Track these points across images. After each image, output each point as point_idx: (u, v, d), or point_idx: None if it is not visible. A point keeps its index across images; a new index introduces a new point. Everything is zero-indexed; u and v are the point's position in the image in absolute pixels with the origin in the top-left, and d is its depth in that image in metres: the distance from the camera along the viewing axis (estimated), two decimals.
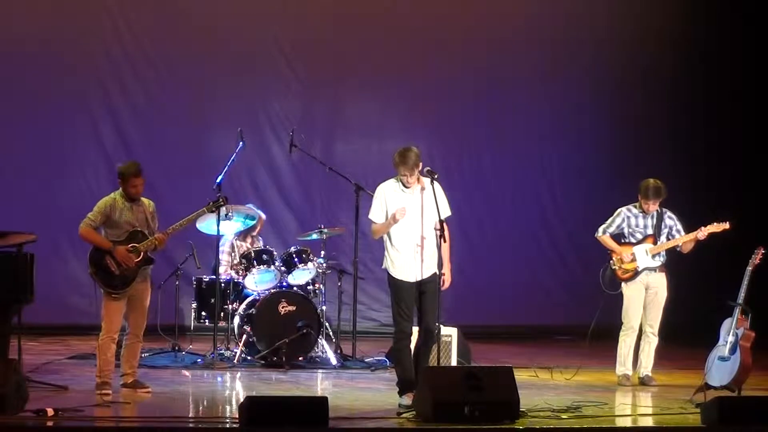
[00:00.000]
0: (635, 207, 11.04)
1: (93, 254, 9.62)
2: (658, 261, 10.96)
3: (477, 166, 15.83)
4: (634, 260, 10.93)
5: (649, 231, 10.96)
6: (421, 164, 9.13)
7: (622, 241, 11.07)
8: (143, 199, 9.84)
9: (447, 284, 9.18)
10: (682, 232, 10.96)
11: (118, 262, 9.55)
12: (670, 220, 11.03)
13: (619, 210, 11.10)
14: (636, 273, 10.93)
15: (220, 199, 10.22)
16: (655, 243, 10.93)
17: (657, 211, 11.00)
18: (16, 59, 14.42)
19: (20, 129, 14.46)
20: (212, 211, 10.14)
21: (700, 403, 8.81)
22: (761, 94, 15.88)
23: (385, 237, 9.25)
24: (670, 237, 10.98)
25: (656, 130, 16.15)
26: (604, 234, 11.07)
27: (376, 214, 9.22)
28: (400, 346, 9.19)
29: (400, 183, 9.19)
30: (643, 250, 10.93)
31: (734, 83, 16.07)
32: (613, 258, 11.00)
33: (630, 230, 11.01)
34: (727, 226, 10.74)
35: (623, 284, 10.97)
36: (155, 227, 9.83)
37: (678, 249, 11.00)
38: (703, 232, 10.77)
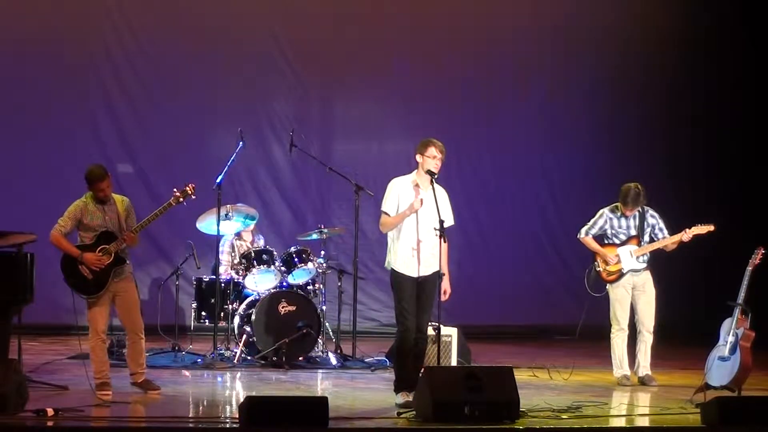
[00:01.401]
0: (617, 208, 11.01)
1: (64, 262, 9.56)
2: (643, 262, 10.95)
3: (477, 167, 15.82)
4: (618, 262, 10.91)
5: (633, 232, 10.94)
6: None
7: (606, 242, 11.05)
8: (115, 196, 9.76)
9: (448, 295, 9.20)
10: (665, 231, 10.94)
11: (89, 267, 9.52)
12: (653, 218, 11.00)
13: (600, 211, 11.07)
14: (621, 275, 10.91)
15: (188, 188, 10.02)
16: (639, 244, 10.90)
17: (639, 210, 10.97)
18: (17, 59, 14.43)
19: (20, 129, 14.46)
20: (179, 203, 9.95)
21: (700, 403, 8.80)
22: (762, 94, 15.88)
23: (393, 231, 9.27)
24: (653, 236, 10.95)
25: (656, 131, 16.15)
26: (586, 236, 11.06)
27: (390, 206, 9.24)
28: (402, 345, 9.21)
29: (421, 177, 9.20)
30: (628, 251, 10.90)
31: (734, 84, 16.08)
32: (598, 260, 10.99)
33: (613, 231, 10.99)
34: (711, 228, 10.71)
35: (608, 286, 10.96)
36: (133, 223, 9.75)
37: (661, 248, 10.97)
38: (687, 234, 10.74)
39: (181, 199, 9.85)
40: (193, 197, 9.94)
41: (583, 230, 11.07)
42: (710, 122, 16.22)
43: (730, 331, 9.99)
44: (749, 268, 10.07)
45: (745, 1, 16.12)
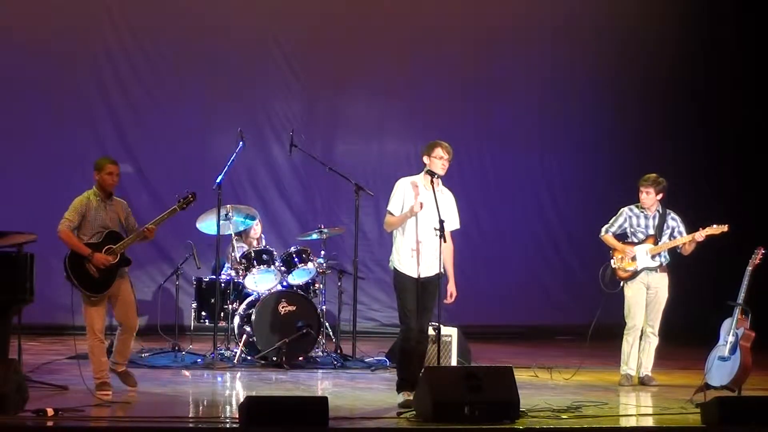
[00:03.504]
0: (637, 207, 11.08)
1: (72, 258, 9.55)
2: (658, 261, 10.97)
3: (477, 167, 15.82)
4: (633, 260, 10.95)
5: (651, 231, 10.98)
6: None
7: (626, 241, 11.10)
8: (116, 198, 9.83)
9: (453, 297, 9.21)
10: (685, 234, 10.97)
11: (97, 267, 9.54)
12: (673, 221, 11.04)
13: (621, 210, 11.14)
14: (635, 273, 10.95)
15: (189, 196, 9.99)
16: (655, 243, 10.94)
17: (659, 211, 11.02)
18: (16, 59, 14.42)
19: (20, 129, 14.45)
20: (183, 209, 10.02)
21: (700, 403, 8.80)
22: (761, 94, 15.88)
23: (396, 231, 9.28)
24: (672, 238, 10.99)
25: (656, 131, 16.16)
26: (606, 233, 11.12)
27: (395, 206, 9.26)
28: (405, 345, 9.22)
29: (423, 178, 9.21)
30: (643, 250, 10.94)
31: (734, 84, 16.08)
32: (614, 257, 11.02)
33: (632, 230, 11.05)
34: (725, 228, 10.72)
35: (623, 284, 10.99)
36: (134, 224, 9.81)
37: (678, 250, 11.02)
38: (701, 234, 10.77)
39: (184, 207, 9.93)
40: (193, 203, 10.00)
41: (604, 229, 11.14)
42: (710, 122, 16.22)
43: (730, 331, 9.99)
44: (749, 268, 10.08)
45: (744, 1, 16.12)
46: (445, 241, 9.00)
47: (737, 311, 9.99)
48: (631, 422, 9.26)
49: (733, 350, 9.94)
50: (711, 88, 16.11)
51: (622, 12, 16.12)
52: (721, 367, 9.93)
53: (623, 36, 16.05)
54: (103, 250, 9.54)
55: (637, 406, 9.96)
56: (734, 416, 8.30)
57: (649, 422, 9.20)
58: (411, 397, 8.87)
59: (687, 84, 16.13)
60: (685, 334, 13.72)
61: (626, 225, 11.08)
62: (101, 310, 9.61)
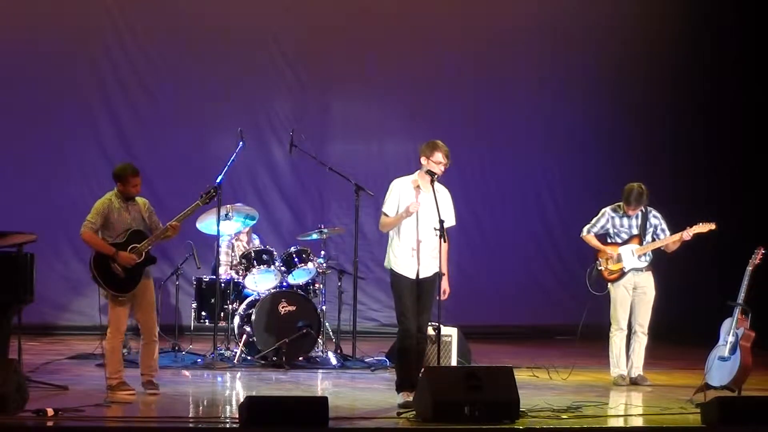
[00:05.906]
0: (619, 207, 11.03)
1: (97, 259, 9.55)
2: (645, 261, 10.95)
3: (477, 167, 15.81)
4: (620, 261, 10.91)
5: (634, 231, 10.95)
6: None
7: (608, 241, 11.06)
8: (137, 198, 9.83)
9: (447, 294, 9.21)
10: (667, 231, 10.94)
11: (122, 266, 9.56)
12: (655, 219, 11.01)
13: (603, 210, 11.09)
14: (622, 274, 10.91)
15: (212, 190, 10.10)
16: (640, 243, 10.90)
17: (641, 210, 10.97)
18: (17, 59, 14.41)
19: (20, 129, 14.44)
20: (206, 203, 10.11)
21: (700, 403, 8.81)
22: (762, 94, 15.86)
23: (392, 231, 9.28)
24: (655, 236, 10.96)
25: (656, 131, 16.15)
26: (588, 234, 11.09)
27: (390, 207, 9.26)
28: (403, 345, 9.22)
29: (422, 178, 9.21)
30: (629, 250, 10.91)
31: (735, 85, 16.06)
32: (600, 259, 10.99)
33: (615, 230, 11.00)
34: (713, 226, 10.71)
35: (610, 285, 10.96)
36: (157, 222, 9.83)
37: (662, 248, 10.98)
38: (688, 233, 10.74)
39: (208, 201, 10.08)
40: (216, 196, 10.25)
41: (585, 228, 11.10)
42: (710, 122, 16.20)
43: (730, 331, 9.99)
44: (749, 268, 10.07)
45: (744, 1, 16.11)
46: (445, 242, 9.00)
47: (737, 311, 9.99)
48: (631, 422, 9.26)
49: (733, 350, 9.93)
50: (711, 88, 16.08)
51: (622, 12, 16.10)
52: (721, 367, 9.92)
53: (623, 36, 16.04)
54: (128, 249, 9.57)
55: (637, 406, 9.95)
56: (734, 416, 8.31)
57: (649, 422, 9.19)
58: (411, 398, 8.87)
59: (687, 84, 16.11)
60: (685, 334, 13.72)
61: (608, 226, 11.03)
62: (127, 310, 9.67)
